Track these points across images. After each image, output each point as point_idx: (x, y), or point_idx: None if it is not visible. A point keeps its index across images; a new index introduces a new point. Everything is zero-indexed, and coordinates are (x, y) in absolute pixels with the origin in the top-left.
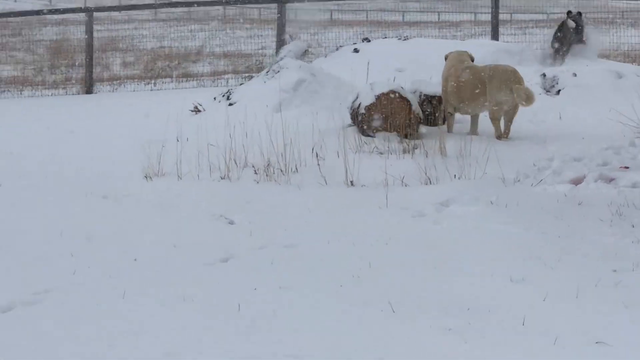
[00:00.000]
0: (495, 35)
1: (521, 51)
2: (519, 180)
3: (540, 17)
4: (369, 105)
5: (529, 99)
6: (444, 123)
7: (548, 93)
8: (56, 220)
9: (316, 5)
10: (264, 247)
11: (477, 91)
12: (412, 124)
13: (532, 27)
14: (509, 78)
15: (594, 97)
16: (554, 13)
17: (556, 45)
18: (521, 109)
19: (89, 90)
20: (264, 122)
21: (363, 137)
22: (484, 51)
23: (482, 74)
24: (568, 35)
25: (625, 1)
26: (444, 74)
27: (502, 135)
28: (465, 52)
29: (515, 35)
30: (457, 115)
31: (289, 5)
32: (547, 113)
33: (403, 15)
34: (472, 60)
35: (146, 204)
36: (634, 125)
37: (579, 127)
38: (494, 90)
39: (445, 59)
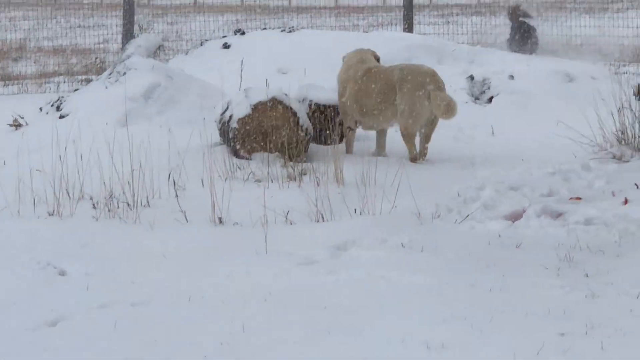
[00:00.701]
0: (408, 26)
1: (442, 47)
2: (439, 216)
3: (468, 1)
4: (244, 117)
5: (450, 109)
6: (341, 141)
7: (477, 101)
8: None
9: None
10: (105, 306)
11: (384, 99)
12: (299, 142)
13: (457, 14)
14: (425, 82)
15: (537, 106)
16: None
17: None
18: (442, 123)
19: None
20: (105, 139)
21: (236, 160)
22: (394, 47)
23: (391, 77)
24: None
25: None
26: (341, 77)
27: (417, 157)
28: (368, 50)
29: (435, 25)
30: (359, 131)
31: None
32: (476, 127)
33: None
34: (378, 61)
35: None
36: (588, 143)
37: (517, 145)
38: (406, 98)
39: (344, 60)
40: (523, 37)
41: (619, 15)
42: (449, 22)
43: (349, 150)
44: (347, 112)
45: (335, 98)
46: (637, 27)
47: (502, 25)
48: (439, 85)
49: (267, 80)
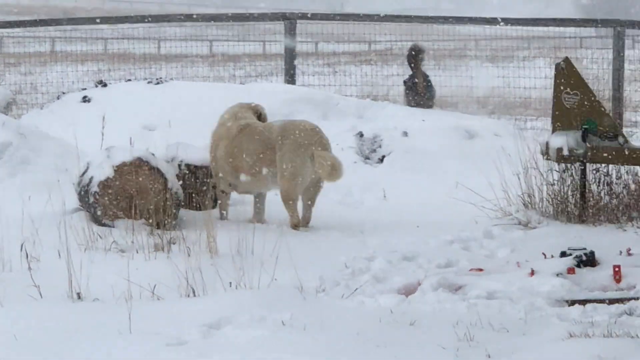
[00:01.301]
0: (290, 76)
1: (328, 100)
2: (324, 290)
3: (358, 47)
4: (105, 180)
5: (335, 171)
6: (215, 206)
7: (367, 161)
8: None
9: (31, 32)
10: None
11: (261, 160)
12: (168, 207)
13: (345, 64)
14: (307, 140)
15: (434, 166)
16: (379, 42)
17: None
18: (328, 185)
19: None
20: None
21: (97, 227)
22: (274, 100)
23: (269, 134)
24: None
25: (482, 26)
26: (214, 135)
27: (300, 223)
28: (250, 105)
29: (321, 75)
30: (235, 195)
31: None
32: (367, 190)
33: (158, 45)
34: (260, 117)
35: None
36: (490, 207)
37: (411, 210)
38: (286, 159)
39: None
40: (425, 87)
41: (526, 64)
42: (336, 72)
43: (223, 216)
44: (220, 174)
45: (209, 158)
46: (545, 78)
47: (395, 76)
48: (322, 143)
49: (131, 138)
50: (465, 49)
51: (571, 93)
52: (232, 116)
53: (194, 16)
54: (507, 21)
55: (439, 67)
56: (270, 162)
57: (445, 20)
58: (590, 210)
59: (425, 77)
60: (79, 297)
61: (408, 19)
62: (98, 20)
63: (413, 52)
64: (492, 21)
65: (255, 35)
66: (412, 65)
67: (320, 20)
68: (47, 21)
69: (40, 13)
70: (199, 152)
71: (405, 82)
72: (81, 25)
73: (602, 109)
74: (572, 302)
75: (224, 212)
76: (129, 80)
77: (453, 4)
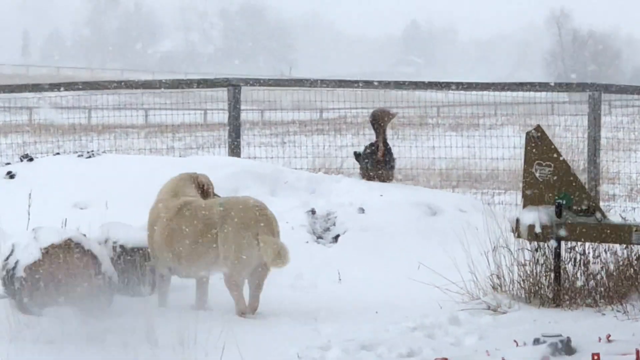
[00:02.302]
0: (235, 148)
1: (276, 174)
2: None
3: (309, 115)
4: (32, 264)
5: (280, 258)
6: (153, 292)
7: (320, 240)
8: None
9: None
10: None
11: (201, 242)
12: (101, 292)
13: (295, 134)
14: (252, 219)
15: (393, 245)
16: (331, 109)
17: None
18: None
19: None
20: None
21: (23, 316)
22: (217, 174)
23: (210, 213)
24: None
25: (444, 91)
26: (151, 214)
27: (246, 310)
28: (190, 176)
29: (268, 146)
30: (175, 279)
31: None
32: (320, 272)
33: (89, 115)
34: (204, 190)
35: None
36: (456, 290)
37: (369, 294)
38: (229, 240)
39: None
40: (387, 156)
41: (493, 133)
42: (284, 143)
43: (162, 302)
44: (158, 257)
45: (146, 239)
46: (514, 147)
47: (349, 147)
48: (269, 222)
49: (62, 217)
50: (427, 116)
51: (543, 164)
52: (171, 192)
53: (134, 82)
54: (472, 86)
55: (397, 136)
56: (211, 244)
57: (403, 85)
58: (566, 293)
59: (386, 145)
60: None
61: (365, 84)
62: (28, 89)
63: (379, 114)
64: (455, 86)
65: (195, 103)
66: (377, 128)
67: (269, 86)
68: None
69: None
70: (135, 232)
71: (357, 153)
72: (2, 94)
73: (578, 181)
74: None
75: (164, 298)
76: (57, 153)
77: (412, 67)
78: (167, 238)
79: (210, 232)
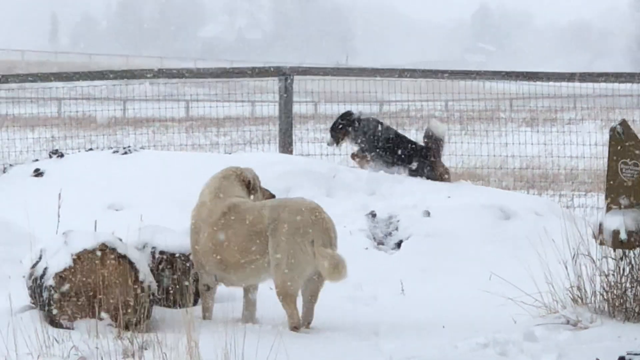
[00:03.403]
0: (286, 144)
1: (332, 172)
2: None
3: (365, 108)
4: (63, 271)
5: (337, 271)
6: (196, 303)
7: (381, 247)
8: None
9: None
10: None
11: (250, 247)
12: (139, 304)
13: None
14: (306, 223)
15: (462, 253)
16: (392, 102)
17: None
18: None
19: None
20: None
21: (52, 330)
22: (267, 173)
23: (259, 217)
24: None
25: (518, 82)
26: (194, 217)
27: (300, 324)
28: (235, 172)
29: (322, 143)
30: (222, 289)
31: None
32: (380, 283)
33: (124, 107)
34: (250, 186)
35: None
36: (532, 303)
37: (435, 306)
38: (281, 247)
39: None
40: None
41: (571, 129)
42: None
43: (206, 314)
44: (202, 265)
45: (189, 244)
46: (596, 145)
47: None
48: (325, 228)
49: (94, 220)
50: (498, 110)
51: (629, 163)
52: (215, 193)
53: (174, 71)
54: (548, 76)
55: (465, 131)
56: (262, 251)
57: (473, 75)
58: None
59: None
60: None
61: (427, 74)
62: (52, 78)
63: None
64: (530, 76)
65: (242, 94)
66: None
67: (323, 75)
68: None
69: None
70: (177, 237)
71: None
72: (29, 83)
73: None
74: None
75: (208, 311)
76: (90, 149)
77: (482, 55)
78: (213, 244)
79: (260, 238)
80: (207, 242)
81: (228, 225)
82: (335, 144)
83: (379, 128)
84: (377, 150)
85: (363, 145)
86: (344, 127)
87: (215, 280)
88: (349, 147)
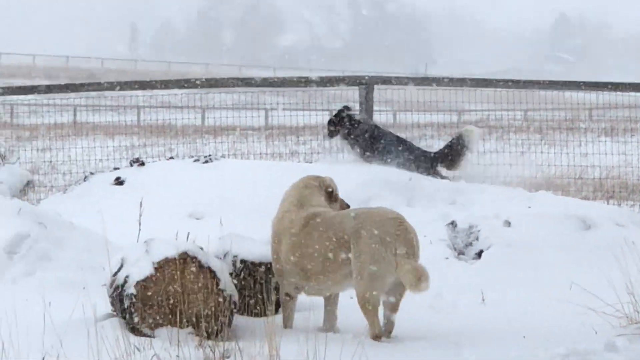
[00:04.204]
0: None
1: (412, 182)
2: None
3: (444, 118)
4: (144, 280)
5: (419, 282)
6: (277, 312)
7: (462, 256)
8: None
9: (49, 99)
10: None
11: (332, 257)
12: (220, 312)
13: (432, 137)
14: (389, 233)
15: (542, 263)
16: (472, 111)
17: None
18: None
19: None
20: None
21: (134, 337)
22: (348, 183)
23: (342, 226)
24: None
25: (598, 92)
26: (275, 226)
27: (381, 333)
28: (315, 180)
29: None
30: (302, 298)
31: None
32: (461, 292)
33: (203, 115)
34: (332, 195)
35: None
36: (612, 313)
37: (515, 316)
38: (363, 257)
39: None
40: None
41: None
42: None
43: (287, 324)
44: (283, 274)
45: (269, 254)
46: None
47: (492, 152)
48: (408, 238)
49: (175, 228)
50: (577, 119)
51: None
52: (297, 202)
53: (253, 80)
54: (629, 86)
55: (544, 141)
56: (344, 261)
57: (551, 84)
58: None
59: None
60: None
61: (509, 84)
62: (137, 86)
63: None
64: (609, 86)
65: (321, 103)
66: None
67: (405, 85)
68: (67, 86)
69: (60, 76)
70: (258, 245)
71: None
72: (109, 92)
73: None
74: None
75: (289, 320)
76: (171, 158)
77: (561, 64)
78: (294, 253)
79: (342, 247)
80: (289, 251)
81: (310, 234)
82: (331, 138)
83: (376, 132)
84: (375, 152)
85: (358, 148)
86: (338, 122)
87: (296, 289)
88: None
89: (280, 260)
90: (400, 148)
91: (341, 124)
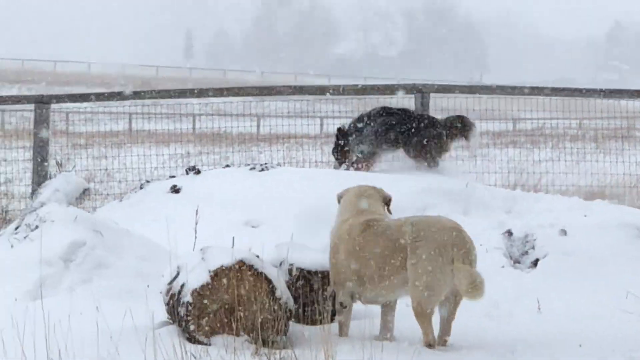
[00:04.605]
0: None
1: (468, 190)
2: None
3: (499, 126)
4: (200, 288)
5: (475, 288)
6: (333, 320)
7: (518, 265)
8: None
9: (104, 107)
10: None
11: (391, 263)
12: (276, 320)
13: (487, 146)
14: (447, 242)
15: (599, 272)
16: (527, 119)
17: None
18: None
19: None
20: (9, 318)
21: (190, 345)
22: (403, 190)
23: (399, 234)
24: None
25: None
26: (334, 232)
27: (435, 341)
28: (371, 190)
29: (457, 160)
30: (358, 306)
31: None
32: (517, 301)
33: (258, 123)
34: (388, 203)
35: None
36: None
37: (572, 325)
38: (420, 266)
39: (339, 201)
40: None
41: None
42: (475, 156)
43: (343, 332)
44: (341, 282)
45: (325, 261)
46: None
47: (547, 161)
48: (465, 248)
49: (231, 236)
50: (633, 128)
51: None
52: (356, 209)
53: (329, 88)
54: None
55: (600, 150)
56: (401, 267)
57: (607, 93)
58: None
59: None
60: None
61: (565, 92)
62: (195, 92)
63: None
64: None
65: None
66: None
67: (461, 93)
68: (122, 94)
69: (114, 84)
70: (313, 253)
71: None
72: (164, 99)
73: None
74: None
75: (344, 328)
76: (227, 166)
77: (615, 73)
78: (352, 259)
79: (400, 254)
80: (346, 256)
81: (368, 240)
82: (340, 166)
83: (365, 121)
84: (375, 144)
85: (363, 151)
86: (342, 147)
87: (352, 297)
88: (482, 165)
89: (338, 266)
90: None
91: (344, 143)
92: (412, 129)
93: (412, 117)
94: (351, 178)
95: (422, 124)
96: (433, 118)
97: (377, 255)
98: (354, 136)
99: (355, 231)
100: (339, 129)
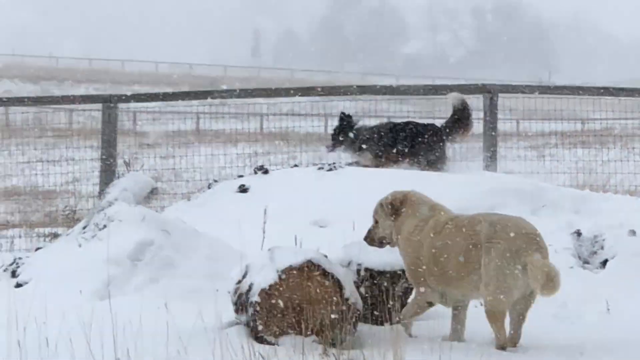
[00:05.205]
0: (490, 162)
1: (537, 191)
2: None
3: (568, 126)
4: (268, 288)
5: (551, 281)
6: (400, 320)
7: (586, 266)
8: None
9: (171, 106)
10: None
11: (466, 261)
12: (344, 321)
13: (555, 146)
14: (522, 245)
15: None
16: (596, 120)
17: None
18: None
19: None
20: (79, 318)
21: (258, 345)
22: (472, 190)
23: (476, 230)
24: None
25: None
26: (413, 233)
27: (507, 343)
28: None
29: (525, 160)
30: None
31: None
32: (586, 302)
33: (325, 123)
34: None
35: None
36: None
37: None
38: (493, 267)
39: (379, 210)
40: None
41: None
42: (543, 157)
43: (406, 330)
44: (424, 281)
45: (393, 262)
46: None
47: (616, 162)
48: (540, 248)
49: (299, 236)
50: None
51: None
52: (434, 207)
53: (379, 87)
54: None
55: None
56: (476, 265)
57: None
58: None
59: None
60: None
61: (629, 92)
62: (260, 93)
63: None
64: None
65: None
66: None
67: (530, 93)
68: (190, 93)
69: (182, 83)
70: (381, 254)
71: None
72: (231, 99)
73: None
74: None
75: (408, 326)
76: (295, 165)
77: None
78: (436, 258)
79: (475, 249)
80: (431, 256)
81: (450, 238)
82: (334, 149)
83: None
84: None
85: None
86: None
87: (439, 298)
88: (550, 165)
89: (421, 264)
90: (405, 135)
91: (344, 134)
92: (416, 144)
93: (416, 132)
94: (419, 178)
95: (426, 136)
96: (434, 127)
97: (456, 250)
98: (360, 136)
99: (438, 229)
100: (343, 113)
